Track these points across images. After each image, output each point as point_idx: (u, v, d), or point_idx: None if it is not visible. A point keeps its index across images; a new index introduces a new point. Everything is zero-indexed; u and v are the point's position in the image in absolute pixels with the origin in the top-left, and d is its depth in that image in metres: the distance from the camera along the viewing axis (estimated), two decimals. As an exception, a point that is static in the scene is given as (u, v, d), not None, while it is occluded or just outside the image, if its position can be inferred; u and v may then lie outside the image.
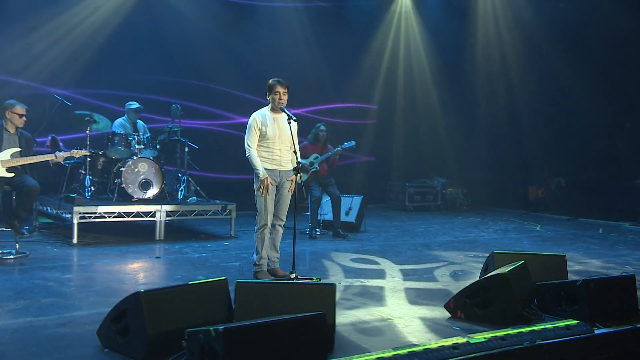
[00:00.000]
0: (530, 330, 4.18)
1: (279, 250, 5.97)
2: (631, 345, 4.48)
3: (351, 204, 9.67)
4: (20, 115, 6.59)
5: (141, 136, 8.42)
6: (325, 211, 9.23)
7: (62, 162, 8.60)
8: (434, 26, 14.14)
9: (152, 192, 8.23)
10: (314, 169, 8.85)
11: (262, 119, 5.76)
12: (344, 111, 13.87)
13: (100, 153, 8.53)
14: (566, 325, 4.33)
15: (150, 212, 8.01)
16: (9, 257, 6.58)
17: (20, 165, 6.56)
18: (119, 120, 8.96)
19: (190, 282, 3.88)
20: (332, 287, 3.97)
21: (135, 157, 8.20)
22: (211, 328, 3.08)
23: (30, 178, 6.56)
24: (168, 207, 8.12)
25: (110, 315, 3.68)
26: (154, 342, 3.45)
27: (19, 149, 6.54)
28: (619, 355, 4.37)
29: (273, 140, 5.77)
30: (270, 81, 5.79)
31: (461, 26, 14.04)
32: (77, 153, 6.96)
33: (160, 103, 9.68)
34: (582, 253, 7.96)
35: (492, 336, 4.02)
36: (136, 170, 8.17)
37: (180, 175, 8.95)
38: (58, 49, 10.00)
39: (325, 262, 6.86)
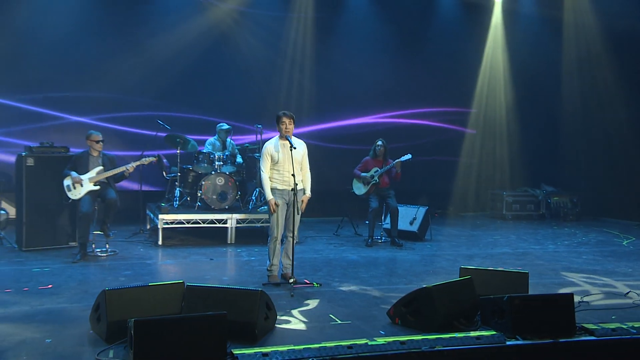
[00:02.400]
0: (436, 337, 4.73)
1: (290, 257, 6.91)
2: (549, 357, 4.84)
3: (416, 214, 10.25)
4: (97, 142, 8.20)
5: (221, 154, 9.82)
6: (387, 221, 9.97)
7: (165, 176, 10.39)
8: (531, 30, 14.12)
9: (227, 202, 9.59)
10: (374, 182, 9.62)
11: (272, 147, 6.80)
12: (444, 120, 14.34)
13: (190, 168, 10.09)
14: (477, 335, 4.82)
15: (223, 219, 9.38)
16: (102, 254, 8.30)
17: (106, 179, 8.19)
18: (211, 139, 10.44)
19: (149, 284, 5.02)
20: (258, 292, 4.88)
21: (213, 173, 9.61)
22: (133, 319, 4.19)
23: (112, 191, 8.15)
24: (238, 216, 9.44)
25: (93, 306, 4.96)
26: (113, 328, 4.64)
27: (102, 167, 8.18)
28: (531, 367, 4.76)
29: (283, 165, 6.77)
30: (279, 113, 6.80)
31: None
32: (146, 160, 8.42)
33: (244, 123, 11.14)
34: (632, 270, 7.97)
35: (394, 340, 4.67)
36: (214, 183, 9.58)
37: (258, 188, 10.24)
38: (151, 77, 11.62)
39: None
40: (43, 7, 11.05)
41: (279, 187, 6.79)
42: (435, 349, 4.62)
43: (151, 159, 8.48)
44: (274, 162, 6.78)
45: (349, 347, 4.51)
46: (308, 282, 6.79)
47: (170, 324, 4.23)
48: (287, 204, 6.83)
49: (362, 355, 4.47)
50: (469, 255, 8.84)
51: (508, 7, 14.31)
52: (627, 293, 6.57)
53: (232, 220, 9.39)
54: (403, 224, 10.03)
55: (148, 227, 10.46)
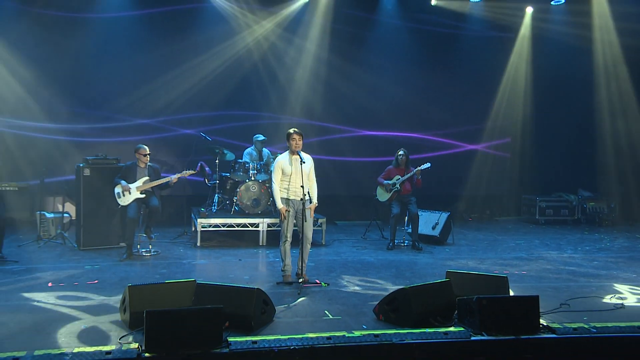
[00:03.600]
0: (408, 332, 5.44)
1: (304, 260, 7.66)
2: (510, 352, 5.44)
3: (438, 220, 10.84)
4: (144, 155, 9.22)
5: (256, 163, 10.74)
6: (409, 226, 10.62)
7: (207, 184, 11.39)
8: (560, 42, 14.38)
9: (260, 207, 10.49)
10: (396, 189, 10.29)
11: (283, 160, 7.61)
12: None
13: (228, 176, 11.05)
14: (445, 330, 5.48)
15: (255, 223, 10.28)
16: (146, 254, 9.34)
17: (151, 188, 9.22)
18: (248, 150, 11.39)
19: (166, 281, 5.91)
20: (254, 290, 5.69)
21: (247, 180, 10.54)
22: (146, 310, 5.08)
23: (155, 199, 9.17)
24: (269, 220, 10.32)
25: (121, 299, 5.91)
26: (135, 317, 5.56)
27: (148, 177, 9.21)
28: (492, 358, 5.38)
29: (293, 177, 7.55)
30: (289, 130, 7.61)
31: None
32: (187, 173, 9.41)
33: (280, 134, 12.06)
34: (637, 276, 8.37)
35: (369, 333, 5.39)
36: (249, 190, 10.50)
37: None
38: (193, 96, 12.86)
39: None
40: (104, 32, 12.44)
41: (290, 197, 7.58)
42: (405, 341, 5.31)
43: (192, 171, 9.47)
44: (285, 175, 7.58)
45: (328, 338, 5.28)
46: (318, 282, 7.55)
47: (176, 314, 5.10)
48: (296, 211, 7.61)
49: (338, 345, 5.22)
50: (481, 259, 9.38)
51: (537, 24, 14.71)
52: (612, 297, 7.01)
53: (263, 224, 10.29)
54: (425, 229, 10.68)
55: (193, 229, 11.46)
